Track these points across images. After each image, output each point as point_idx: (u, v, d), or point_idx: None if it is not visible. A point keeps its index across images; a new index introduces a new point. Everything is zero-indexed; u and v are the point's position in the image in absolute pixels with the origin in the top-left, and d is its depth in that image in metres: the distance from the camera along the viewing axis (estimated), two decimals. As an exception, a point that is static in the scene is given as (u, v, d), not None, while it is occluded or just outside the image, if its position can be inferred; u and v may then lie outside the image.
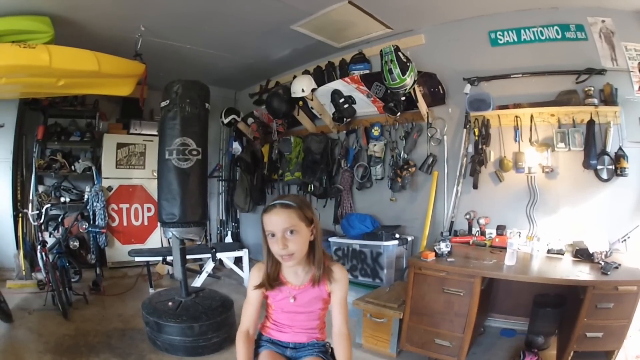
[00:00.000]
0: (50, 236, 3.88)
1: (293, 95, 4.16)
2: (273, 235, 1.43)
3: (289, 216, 1.43)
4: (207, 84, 3.36)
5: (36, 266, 3.91)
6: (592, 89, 2.90)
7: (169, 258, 4.03)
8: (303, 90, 4.07)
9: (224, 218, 5.82)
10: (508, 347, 2.89)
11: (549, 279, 2.39)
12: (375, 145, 4.04)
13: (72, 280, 3.89)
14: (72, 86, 3.21)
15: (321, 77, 4.37)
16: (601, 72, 2.91)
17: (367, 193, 4.22)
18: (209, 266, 4.26)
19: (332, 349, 1.59)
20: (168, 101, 3.19)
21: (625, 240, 2.56)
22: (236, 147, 5.30)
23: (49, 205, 3.65)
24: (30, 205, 4.19)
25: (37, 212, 3.60)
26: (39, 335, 2.96)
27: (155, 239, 5.09)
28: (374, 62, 3.96)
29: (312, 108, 4.33)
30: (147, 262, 4.15)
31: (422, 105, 3.62)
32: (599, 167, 2.87)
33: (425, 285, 2.68)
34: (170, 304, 3.05)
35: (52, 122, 4.67)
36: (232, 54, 4.46)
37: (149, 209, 5.07)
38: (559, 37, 3.10)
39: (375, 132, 4.05)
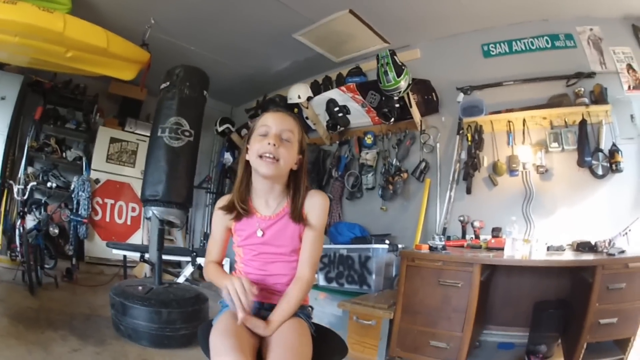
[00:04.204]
0: (31, 213, 3.84)
1: (289, 102, 4.19)
2: (265, 134, 1.27)
3: (293, 123, 1.32)
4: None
5: (12, 244, 3.79)
6: (583, 89, 2.98)
7: (147, 255, 3.82)
8: (299, 97, 4.11)
9: (209, 231, 5.61)
10: (509, 358, 2.66)
11: (555, 261, 2.32)
12: (367, 153, 4.05)
13: (47, 266, 3.75)
14: (78, 60, 3.24)
15: (318, 90, 4.40)
16: (590, 75, 3.03)
17: (357, 203, 4.17)
18: (188, 270, 4.02)
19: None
20: (168, 83, 3.23)
21: (626, 233, 2.50)
22: (227, 157, 5.28)
23: (34, 183, 3.62)
24: (17, 180, 4.05)
25: (23, 187, 3.54)
26: (0, 301, 2.83)
27: (136, 241, 4.88)
28: (370, 76, 4.04)
29: (306, 118, 4.34)
30: (124, 256, 3.95)
31: (415, 112, 3.68)
32: (593, 162, 2.87)
33: (418, 279, 2.52)
34: (140, 288, 2.87)
35: (50, 107, 4.65)
36: (234, 61, 4.58)
37: (133, 209, 4.92)
38: (549, 46, 3.24)
39: (368, 140, 4.08)
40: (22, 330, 2.45)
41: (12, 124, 4.20)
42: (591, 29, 3.09)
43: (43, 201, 3.95)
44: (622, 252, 2.31)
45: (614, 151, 2.82)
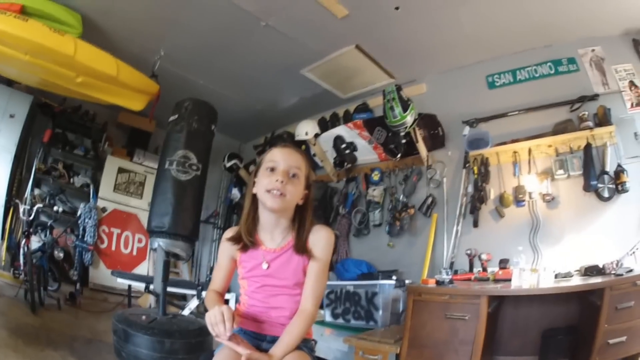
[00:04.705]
0: (36, 234, 3.84)
1: (297, 138, 4.25)
2: (273, 169, 1.30)
3: (301, 160, 1.34)
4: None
5: (16, 261, 3.75)
6: (586, 113, 2.99)
7: (152, 286, 3.79)
8: (307, 134, 4.18)
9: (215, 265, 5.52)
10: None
11: (562, 287, 2.28)
12: (374, 190, 4.05)
13: (50, 288, 3.71)
14: (88, 86, 3.27)
15: (325, 127, 4.50)
16: (594, 97, 3.05)
17: (364, 240, 4.13)
18: (193, 303, 3.96)
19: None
20: (177, 115, 3.33)
21: (634, 252, 2.48)
22: (235, 193, 5.29)
23: (41, 205, 3.64)
24: (24, 200, 4.08)
25: (29, 207, 3.59)
26: (1, 314, 2.81)
27: (142, 271, 4.80)
28: (377, 112, 4.10)
29: (314, 155, 4.40)
30: (129, 286, 3.90)
31: (422, 147, 3.71)
32: (599, 186, 2.84)
33: (425, 313, 2.49)
34: (144, 317, 2.82)
35: (59, 131, 4.65)
36: (242, 96, 4.67)
37: (140, 240, 4.89)
38: (552, 72, 3.30)
39: (375, 176, 4.10)
40: (21, 344, 2.45)
41: (20, 144, 4.19)
42: (593, 50, 3.14)
43: (49, 224, 3.95)
44: (630, 271, 2.27)
45: (619, 172, 2.79)
